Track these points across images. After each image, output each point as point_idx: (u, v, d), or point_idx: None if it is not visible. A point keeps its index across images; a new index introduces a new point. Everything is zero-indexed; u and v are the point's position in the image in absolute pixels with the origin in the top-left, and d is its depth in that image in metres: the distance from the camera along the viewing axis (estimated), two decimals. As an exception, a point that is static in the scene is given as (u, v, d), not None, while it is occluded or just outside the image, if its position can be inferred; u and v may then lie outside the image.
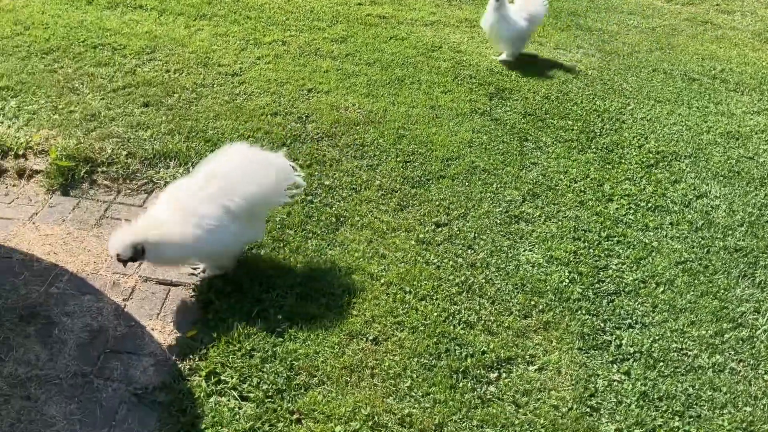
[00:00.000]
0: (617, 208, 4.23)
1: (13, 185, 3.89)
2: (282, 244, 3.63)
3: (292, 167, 3.37)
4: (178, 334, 3.06)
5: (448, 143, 4.71)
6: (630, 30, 7.29)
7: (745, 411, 2.98)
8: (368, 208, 3.99)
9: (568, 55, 6.45)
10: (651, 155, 4.83)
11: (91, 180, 3.98)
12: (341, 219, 3.88)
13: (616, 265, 3.76)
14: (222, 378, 2.85)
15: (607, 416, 2.90)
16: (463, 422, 2.79)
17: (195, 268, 3.39)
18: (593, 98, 5.59)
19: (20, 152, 4.07)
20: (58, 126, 4.39)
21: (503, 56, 6.05)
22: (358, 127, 4.79)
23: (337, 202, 4.01)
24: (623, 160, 4.75)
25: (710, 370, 3.17)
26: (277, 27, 6.31)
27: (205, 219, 3.02)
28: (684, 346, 3.28)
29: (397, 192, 4.17)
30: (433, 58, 6.05)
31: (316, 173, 4.25)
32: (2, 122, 4.36)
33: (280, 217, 3.81)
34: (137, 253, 2.98)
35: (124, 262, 3.03)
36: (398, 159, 4.49)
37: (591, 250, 3.85)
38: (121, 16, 6.14)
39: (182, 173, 4.09)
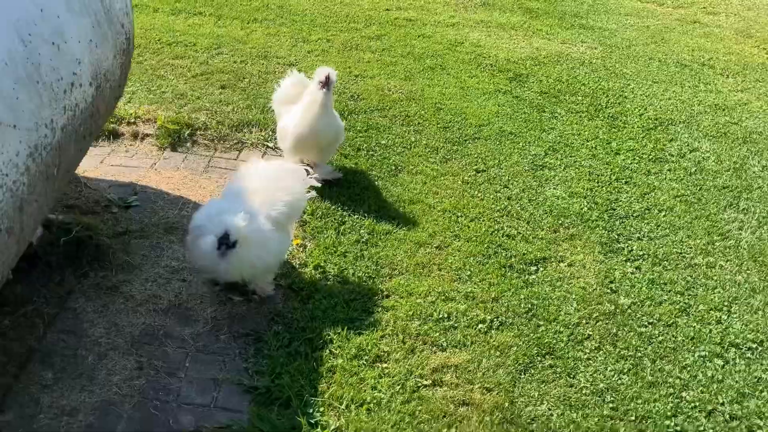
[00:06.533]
0: (623, 159, 5.09)
1: (131, 144, 4.75)
2: (353, 184, 4.48)
3: (306, 170, 3.67)
4: (285, 243, 3.89)
5: (479, 114, 5.59)
6: (627, 28, 8.21)
7: (731, 291, 3.82)
8: (419, 160, 4.85)
9: (574, 48, 7.36)
10: (650, 121, 5.71)
11: (193, 140, 4.84)
12: (399, 167, 4.74)
13: (625, 198, 4.62)
14: (326, 269, 3.69)
15: (623, 295, 3.73)
16: (513, 297, 3.63)
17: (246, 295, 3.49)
18: (599, 80, 6.48)
19: (131, 120, 4.94)
20: (155, 103, 5.27)
21: (324, 173, 4.34)
22: (401, 103, 5.67)
23: (394, 156, 4.87)
24: (627, 125, 5.63)
25: (704, 266, 4.01)
26: (320, 28, 7.22)
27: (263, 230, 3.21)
28: (683, 251, 4.12)
29: (440, 149, 5.04)
30: (457, 51, 6.95)
31: (373, 135, 5.11)
32: (108, 100, 5.24)
33: (350, 165, 4.67)
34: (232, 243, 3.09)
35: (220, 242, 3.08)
36: (438, 126, 5.36)
37: (604, 188, 4.70)
38: (185, 20, 7.05)
39: (264, 136, 4.96)
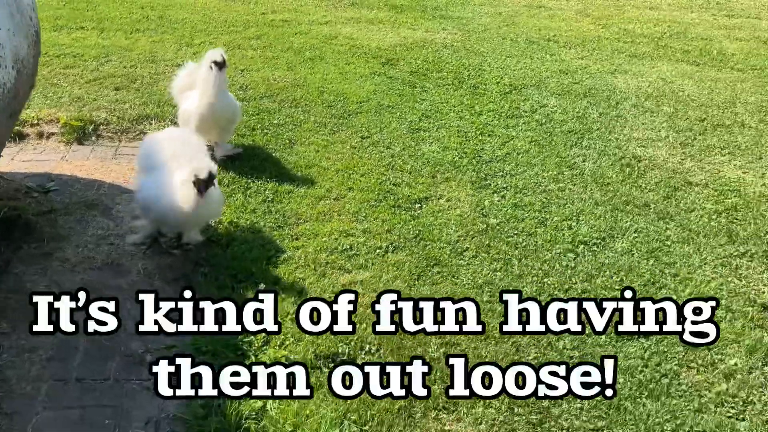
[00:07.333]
0: (486, 118, 5.89)
1: (37, 143, 5.05)
2: (253, 157, 5.00)
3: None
4: (199, 208, 4.35)
5: (358, 93, 6.24)
6: (482, 16, 9.17)
7: (578, 206, 4.64)
8: (310, 134, 5.44)
9: (437, 35, 8.19)
10: (506, 87, 6.57)
11: (97, 134, 5.20)
12: (293, 141, 5.30)
13: (489, 147, 5.39)
14: (239, 224, 4.19)
15: (492, 217, 4.47)
16: (403, 228, 4.28)
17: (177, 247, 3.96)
18: (460, 58, 7.31)
19: (34, 122, 5.23)
20: (54, 107, 5.56)
21: (225, 150, 4.92)
22: (287, 89, 6.23)
23: (287, 132, 5.43)
24: (486, 92, 6.46)
25: (556, 190, 4.82)
26: (202, 33, 7.67)
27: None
28: (538, 181, 4.93)
29: (328, 124, 5.64)
30: (333, 44, 7.60)
31: (266, 117, 5.65)
32: (7, 108, 5.48)
33: (248, 142, 5.19)
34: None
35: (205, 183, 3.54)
36: (324, 105, 5.97)
37: (471, 142, 5.46)
38: (68, 34, 7.31)
39: (164, 126, 5.37)
